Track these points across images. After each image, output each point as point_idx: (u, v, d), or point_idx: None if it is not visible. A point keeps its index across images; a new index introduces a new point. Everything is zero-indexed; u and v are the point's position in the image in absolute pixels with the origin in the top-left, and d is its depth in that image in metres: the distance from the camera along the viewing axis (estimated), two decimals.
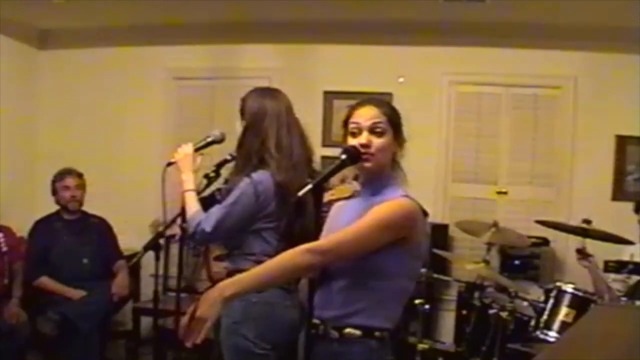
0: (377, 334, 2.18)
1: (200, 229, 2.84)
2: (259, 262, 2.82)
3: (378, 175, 2.28)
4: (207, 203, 3.03)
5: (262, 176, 2.85)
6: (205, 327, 2.07)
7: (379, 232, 2.15)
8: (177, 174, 3.00)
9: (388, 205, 2.18)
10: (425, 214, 2.27)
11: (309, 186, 2.15)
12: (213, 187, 3.13)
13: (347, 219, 2.26)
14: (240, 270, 2.87)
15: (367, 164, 2.24)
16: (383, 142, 2.24)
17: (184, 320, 2.10)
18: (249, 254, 2.89)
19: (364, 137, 2.23)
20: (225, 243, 3.04)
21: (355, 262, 2.16)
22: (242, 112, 2.99)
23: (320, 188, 2.17)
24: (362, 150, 2.22)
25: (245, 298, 2.61)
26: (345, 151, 2.24)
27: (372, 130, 2.24)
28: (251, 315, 2.75)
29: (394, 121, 2.28)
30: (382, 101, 2.34)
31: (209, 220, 2.85)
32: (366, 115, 2.26)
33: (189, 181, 2.97)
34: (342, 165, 2.23)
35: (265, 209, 2.85)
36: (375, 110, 2.26)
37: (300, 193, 2.15)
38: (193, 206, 2.91)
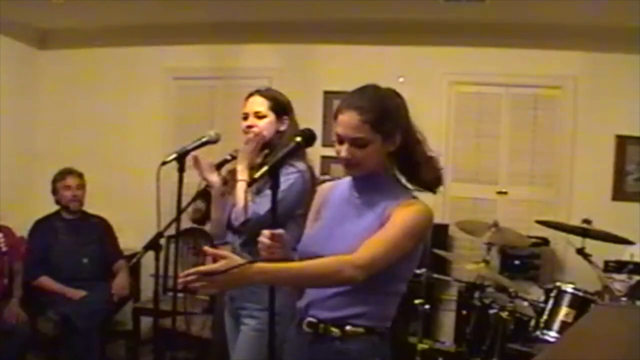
0: (378, 330, 2.18)
1: (255, 213, 2.85)
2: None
3: (374, 175, 2.23)
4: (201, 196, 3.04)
5: (304, 166, 2.92)
6: (209, 292, 2.07)
7: (408, 242, 2.13)
8: (173, 173, 3.00)
9: (412, 213, 2.14)
10: None
11: (265, 168, 2.14)
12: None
13: (344, 217, 2.23)
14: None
15: (351, 172, 2.21)
16: (366, 153, 2.15)
17: (198, 269, 1.96)
18: None
19: (344, 150, 2.16)
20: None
21: None
22: (279, 108, 3.01)
23: (276, 171, 2.16)
24: (344, 162, 2.18)
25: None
26: (301, 133, 2.25)
27: (354, 143, 2.14)
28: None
29: (379, 127, 2.13)
30: (366, 101, 2.16)
31: (262, 205, 2.84)
32: (347, 125, 2.14)
33: (243, 171, 2.97)
34: (297, 147, 2.23)
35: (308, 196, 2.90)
36: (356, 119, 2.12)
37: (257, 175, 2.16)
38: (243, 198, 2.93)
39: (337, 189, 2.35)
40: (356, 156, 2.15)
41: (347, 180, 2.31)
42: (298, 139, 2.22)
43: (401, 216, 2.13)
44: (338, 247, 2.14)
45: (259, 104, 3.03)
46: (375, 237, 2.10)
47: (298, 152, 2.86)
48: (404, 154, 2.24)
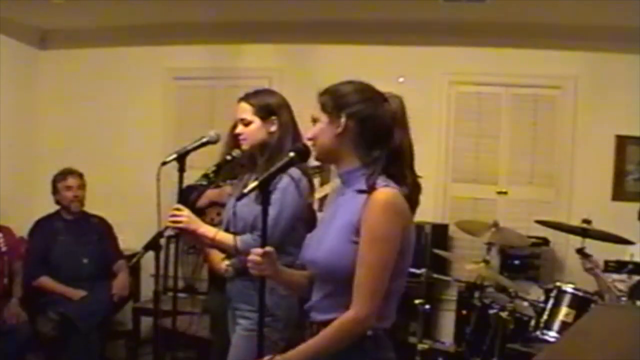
0: (370, 333, 2.14)
1: (257, 236, 2.81)
2: (288, 253, 2.84)
3: (340, 165, 2.23)
4: (187, 192, 3.05)
5: (298, 173, 2.90)
6: None
7: (389, 252, 2.09)
8: (173, 173, 3.00)
9: (379, 215, 2.08)
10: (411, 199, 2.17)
11: (255, 183, 2.16)
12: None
13: (324, 219, 2.27)
14: None
15: (314, 152, 2.27)
16: (313, 131, 2.24)
17: None
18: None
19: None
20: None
21: (341, 268, 2.11)
22: (264, 112, 3.00)
23: (267, 186, 2.18)
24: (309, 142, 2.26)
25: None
26: (294, 148, 2.29)
27: (313, 122, 2.26)
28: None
29: (325, 106, 2.23)
30: (330, 87, 2.31)
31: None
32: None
33: (208, 229, 2.98)
34: (290, 162, 2.25)
35: (305, 203, 2.93)
36: (317, 100, 2.27)
37: (246, 190, 2.18)
38: (230, 237, 2.93)
39: (331, 196, 2.38)
40: (308, 135, 2.27)
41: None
42: (292, 154, 2.24)
43: (371, 228, 2.08)
44: (308, 253, 2.24)
45: (244, 111, 3.04)
46: (359, 273, 2.08)
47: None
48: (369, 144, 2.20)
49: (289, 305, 2.86)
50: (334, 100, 2.24)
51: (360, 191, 2.14)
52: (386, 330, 2.19)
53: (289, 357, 2.13)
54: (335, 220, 2.19)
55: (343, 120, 2.19)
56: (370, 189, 2.12)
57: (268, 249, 2.19)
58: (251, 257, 2.19)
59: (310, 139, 2.25)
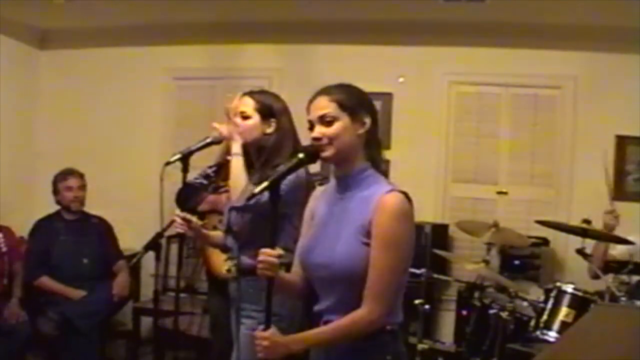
0: (388, 327, 2.18)
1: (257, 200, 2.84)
2: (284, 249, 2.84)
3: (349, 166, 2.24)
4: (186, 191, 3.05)
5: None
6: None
7: (404, 254, 2.15)
8: (173, 173, 2.99)
9: (392, 219, 2.12)
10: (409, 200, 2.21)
11: (265, 184, 2.17)
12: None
13: (327, 221, 2.26)
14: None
15: (324, 154, 2.22)
16: (334, 130, 2.20)
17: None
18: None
19: (315, 131, 2.23)
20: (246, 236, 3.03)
21: (358, 270, 2.14)
22: (265, 111, 3.01)
23: (277, 186, 2.18)
24: (317, 143, 2.22)
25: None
26: (303, 149, 2.28)
27: (322, 122, 2.22)
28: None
29: (345, 104, 2.23)
30: (333, 87, 2.30)
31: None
32: (314, 108, 2.25)
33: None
34: (300, 163, 2.24)
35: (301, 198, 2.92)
36: (323, 100, 2.25)
37: (257, 190, 2.18)
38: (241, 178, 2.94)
39: (326, 192, 2.36)
40: (325, 134, 2.21)
41: (333, 180, 2.33)
42: (301, 155, 2.24)
43: (385, 233, 2.12)
44: (317, 256, 2.22)
45: (246, 104, 3.04)
46: (372, 275, 2.12)
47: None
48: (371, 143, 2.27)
49: (294, 304, 2.87)
50: (354, 99, 2.26)
51: (369, 194, 2.17)
52: (399, 324, 2.23)
53: (304, 337, 2.19)
54: (345, 223, 2.20)
55: (368, 120, 2.23)
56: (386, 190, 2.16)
57: (278, 251, 2.19)
58: (263, 257, 2.18)
59: (330, 139, 2.20)
